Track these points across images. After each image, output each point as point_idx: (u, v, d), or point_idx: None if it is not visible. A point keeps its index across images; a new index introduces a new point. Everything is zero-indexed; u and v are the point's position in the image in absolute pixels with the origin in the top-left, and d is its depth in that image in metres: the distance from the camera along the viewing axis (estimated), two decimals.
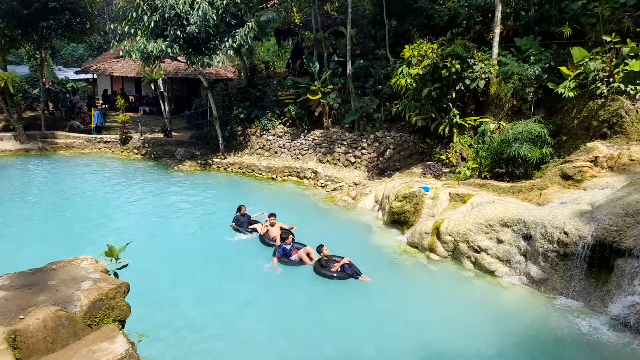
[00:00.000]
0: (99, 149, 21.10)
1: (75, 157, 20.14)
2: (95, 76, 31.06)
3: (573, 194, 9.37)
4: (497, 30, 13.33)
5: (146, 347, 4.15)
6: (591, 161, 10.02)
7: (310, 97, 16.87)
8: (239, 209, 11.75)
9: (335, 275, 8.86)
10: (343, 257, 9.08)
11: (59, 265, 3.92)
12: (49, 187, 15.52)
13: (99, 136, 21.40)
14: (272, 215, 10.99)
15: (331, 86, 17.06)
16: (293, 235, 10.35)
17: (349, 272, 8.84)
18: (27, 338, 2.99)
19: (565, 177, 10.07)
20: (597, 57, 11.07)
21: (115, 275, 4.15)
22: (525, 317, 7.60)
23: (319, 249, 9.29)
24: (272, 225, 10.86)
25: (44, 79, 23.04)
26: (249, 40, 16.09)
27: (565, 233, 7.99)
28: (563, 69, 11.69)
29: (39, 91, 23.47)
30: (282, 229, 10.87)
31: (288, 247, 9.75)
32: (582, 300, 7.81)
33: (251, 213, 11.79)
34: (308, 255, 9.62)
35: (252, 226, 11.43)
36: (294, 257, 9.72)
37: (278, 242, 10.21)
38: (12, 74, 20.08)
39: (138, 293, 4.31)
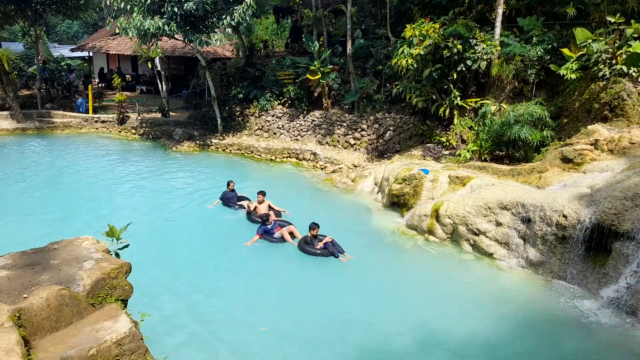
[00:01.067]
0: (97, 129, 20.94)
1: (72, 136, 19.99)
2: (91, 54, 30.62)
3: (573, 177, 9.38)
4: (500, 10, 13.14)
5: (148, 327, 4.18)
6: (591, 144, 10.00)
7: (310, 77, 16.70)
8: (228, 184, 11.84)
9: (319, 252, 9.06)
10: (326, 236, 9.24)
11: (60, 245, 3.92)
12: (47, 167, 15.43)
13: (97, 116, 21.21)
14: (260, 192, 11.02)
15: (331, 66, 16.88)
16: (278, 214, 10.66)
17: (331, 250, 9.02)
18: (32, 317, 3.00)
19: (566, 160, 10.06)
20: (601, 38, 10.94)
21: (117, 255, 4.15)
22: (523, 300, 7.69)
23: (311, 226, 9.37)
24: (260, 202, 10.90)
25: (40, 57, 22.70)
26: (248, 18, 15.80)
27: (564, 216, 8.02)
28: (565, 50, 11.57)
29: (34, 69, 23.15)
30: (271, 208, 10.89)
31: (269, 227, 9.83)
32: (579, 283, 7.88)
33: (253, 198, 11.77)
34: (291, 233, 9.78)
35: (240, 202, 11.47)
36: (276, 234, 9.81)
37: (273, 217, 10.29)
38: (7, 51, 19.77)
39: (138, 273, 4.31)
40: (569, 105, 11.52)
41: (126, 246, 4.36)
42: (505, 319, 7.13)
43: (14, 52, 21.84)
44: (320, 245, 9.16)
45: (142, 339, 3.29)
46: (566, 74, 11.11)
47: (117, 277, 3.57)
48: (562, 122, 11.50)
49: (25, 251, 3.78)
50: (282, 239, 9.73)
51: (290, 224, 10.14)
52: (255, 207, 10.92)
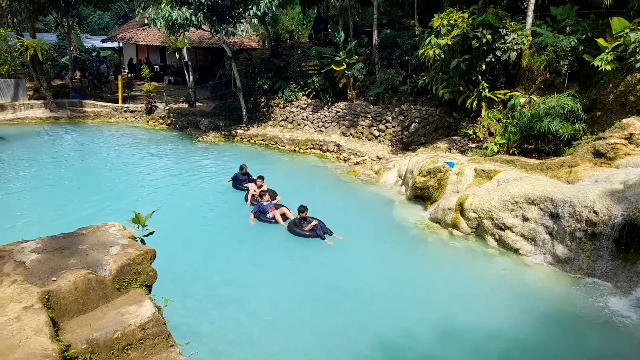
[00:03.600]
0: (126, 119, 21.41)
1: (102, 125, 20.51)
2: (120, 45, 31.23)
3: (605, 172, 9.07)
4: None
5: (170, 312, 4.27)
6: (626, 138, 9.62)
7: (335, 68, 16.59)
8: (241, 167, 12.72)
9: (307, 234, 9.41)
10: (315, 219, 9.63)
11: (88, 230, 4.02)
12: (78, 155, 15.90)
13: (126, 105, 21.68)
14: (260, 177, 11.65)
15: (356, 57, 16.73)
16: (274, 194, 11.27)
17: (318, 232, 9.35)
18: (60, 299, 3.10)
19: (598, 154, 9.73)
20: (639, 27, 10.47)
21: (142, 241, 4.24)
22: (549, 296, 7.52)
23: (300, 208, 9.72)
24: (260, 187, 11.48)
25: (72, 47, 23.28)
26: (274, 8, 15.80)
27: (595, 212, 7.78)
28: (600, 40, 11.12)
29: (67, 59, 23.77)
30: (270, 190, 11.45)
31: (264, 204, 10.32)
32: (609, 281, 7.65)
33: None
34: (283, 215, 10.25)
35: (246, 184, 12.16)
36: (269, 214, 10.24)
37: (270, 199, 10.83)
38: (41, 42, 20.31)
39: (162, 260, 4.40)
40: (603, 98, 11.11)
41: (151, 233, 4.44)
42: (530, 315, 6.99)
43: (47, 42, 22.42)
44: (308, 227, 9.50)
45: (165, 324, 3.36)
46: (601, 65, 10.69)
47: (142, 262, 3.64)
48: (595, 115, 11.10)
49: (55, 236, 3.90)
50: (274, 220, 10.16)
51: (283, 206, 10.62)
52: (254, 191, 11.46)
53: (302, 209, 9.69)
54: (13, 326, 2.69)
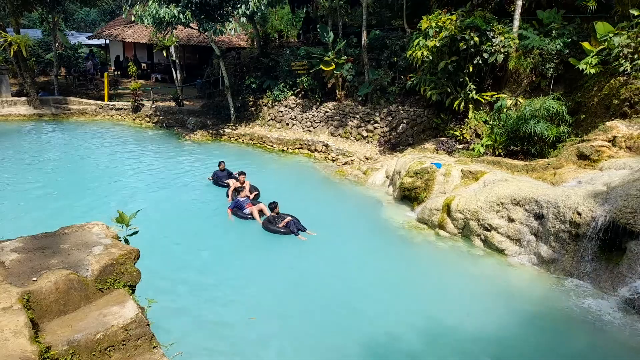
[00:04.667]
0: (111, 116, 21.15)
1: (88, 123, 20.23)
2: (107, 42, 30.84)
3: (589, 174, 9.21)
4: (520, 2, 12.86)
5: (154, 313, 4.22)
6: (609, 141, 9.79)
7: (324, 68, 16.60)
8: (219, 164, 12.79)
9: (282, 231, 9.54)
10: (289, 215, 9.81)
11: (71, 229, 3.95)
12: (61, 153, 15.66)
13: (112, 103, 21.41)
14: (242, 173, 11.69)
15: (345, 57, 16.74)
16: (256, 192, 11.57)
17: (292, 228, 9.47)
18: (40, 300, 3.04)
19: (582, 156, 9.87)
20: (623, 32, 10.65)
21: (126, 241, 4.18)
22: (533, 297, 7.60)
23: (272, 205, 9.96)
24: (242, 182, 11.53)
25: (57, 44, 22.92)
26: (262, 7, 15.75)
27: (579, 213, 7.88)
28: (585, 44, 11.30)
29: (52, 56, 23.39)
30: (252, 186, 11.69)
31: (241, 200, 10.49)
32: (592, 281, 7.76)
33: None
34: (260, 211, 10.32)
35: (227, 180, 12.23)
36: (246, 210, 10.36)
37: (251, 196, 11.15)
38: (26, 38, 19.95)
39: (146, 259, 4.35)
40: (588, 101, 11.28)
41: (135, 232, 4.39)
42: (514, 315, 7.06)
43: (32, 38, 22.03)
44: (282, 223, 9.62)
45: (148, 325, 3.32)
46: (585, 69, 10.86)
47: (126, 263, 3.60)
48: (579, 118, 11.27)
49: (36, 235, 3.83)
50: (251, 216, 10.26)
51: (260, 202, 10.71)
52: (235, 187, 11.51)
53: (274, 205, 9.92)
54: None
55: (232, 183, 11.77)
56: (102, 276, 3.42)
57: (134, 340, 3.15)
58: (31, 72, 21.39)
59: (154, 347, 3.26)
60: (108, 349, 3.03)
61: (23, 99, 21.08)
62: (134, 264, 3.67)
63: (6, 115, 20.01)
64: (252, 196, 11.17)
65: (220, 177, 12.60)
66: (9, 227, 8.51)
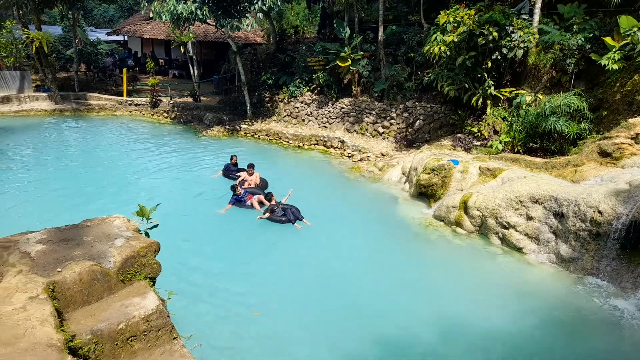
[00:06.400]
0: (130, 112, 21.43)
1: (107, 118, 20.54)
2: (126, 38, 31.21)
3: (610, 172, 9.03)
4: None
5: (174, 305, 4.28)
6: (632, 138, 9.58)
7: (340, 64, 16.55)
8: (231, 158, 13.14)
9: (283, 219, 9.95)
10: (290, 205, 10.23)
11: (93, 222, 4.03)
12: (82, 148, 15.93)
13: (130, 99, 21.70)
14: (250, 165, 12.08)
15: (361, 53, 16.66)
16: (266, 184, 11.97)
17: (290, 217, 9.89)
18: (65, 290, 3.11)
19: (603, 154, 9.68)
20: None
21: (147, 234, 4.25)
22: (552, 295, 7.50)
23: (267, 196, 10.44)
24: (250, 175, 11.96)
25: (77, 40, 23.29)
26: (279, 3, 15.76)
27: (600, 212, 7.74)
28: (608, 39, 11.04)
29: (72, 52, 23.79)
30: (261, 179, 12.12)
31: (240, 196, 10.79)
32: (613, 281, 7.62)
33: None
34: (260, 202, 10.69)
35: (238, 173, 12.57)
36: (247, 202, 10.74)
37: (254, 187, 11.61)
38: (47, 34, 20.31)
39: (165, 252, 4.41)
40: (610, 97, 11.04)
41: (155, 226, 4.45)
42: (532, 314, 6.98)
43: (52, 35, 22.44)
44: (269, 204, 10.27)
45: (168, 316, 3.37)
46: (608, 64, 10.62)
47: (146, 255, 3.65)
48: (601, 115, 11.04)
49: (60, 227, 3.91)
50: (251, 206, 10.63)
51: (258, 193, 11.07)
52: (244, 179, 11.91)
53: (269, 196, 10.43)
54: (19, 316, 2.70)
55: (243, 175, 12.14)
56: (124, 268, 3.48)
57: (155, 331, 3.20)
58: (52, 68, 21.78)
59: (174, 338, 3.31)
60: (130, 339, 3.09)
61: (44, 94, 21.49)
62: (155, 256, 3.72)
63: (28, 110, 20.44)
64: (254, 187, 11.65)
65: (231, 171, 12.91)
66: (32, 219, 8.72)
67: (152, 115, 21.09)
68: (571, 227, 8.14)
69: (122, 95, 22.16)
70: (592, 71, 11.81)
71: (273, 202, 10.32)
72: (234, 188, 10.89)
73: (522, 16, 13.10)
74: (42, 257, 3.38)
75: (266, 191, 10.85)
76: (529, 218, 8.81)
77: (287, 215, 9.96)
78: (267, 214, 10.11)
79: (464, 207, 9.76)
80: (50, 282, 3.06)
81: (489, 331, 6.57)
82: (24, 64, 23.51)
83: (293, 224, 9.89)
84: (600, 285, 7.64)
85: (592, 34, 11.72)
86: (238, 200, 10.76)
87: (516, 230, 8.96)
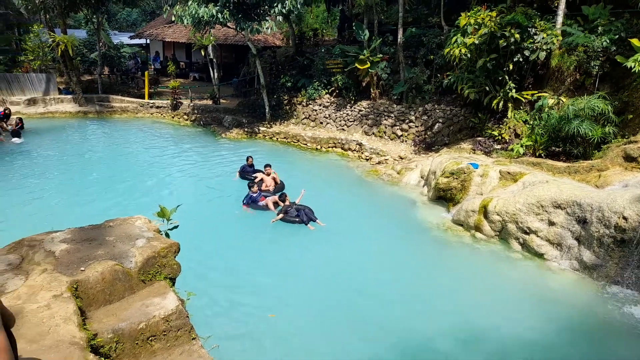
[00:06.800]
0: (151, 114, 21.79)
1: (129, 120, 20.93)
2: (148, 41, 31.76)
3: (636, 177, 8.80)
4: None
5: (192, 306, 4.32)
6: None
7: (359, 67, 16.52)
8: (247, 159, 13.27)
9: (297, 220, 10.05)
10: (304, 206, 10.34)
11: (115, 222, 4.11)
12: (105, 149, 16.27)
13: (152, 101, 22.07)
14: (267, 165, 12.25)
15: (380, 55, 16.62)
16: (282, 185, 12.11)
17: (303, 218, 9.98)
18: (87, 289, 3.18)
19: (629, 158, 9.44)
20: None
21: (167, 235, 4.31)
22: (574, 303, 7.34)
23: (281, 197, 10.45)
24: (268, 174, 12.10)
25: (100, 43, 23.81)
26: (299, 6, 15.83)
27: (625, 218, 7.54)
28: (634, 41, 10.74)
29: (96, 55, 24.33)
30: (274, 179, 12.19)
31: (254, 195, 10.89)
32: (638, 289, 7.41)
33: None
34: (275, 203, 10.71)
35: (254, 174, 12.69)
36: (261, 203, 10.81)
37: (271, 189, 11.76)
38: (72, 38, 20.82)
39: (184, 253, 4.46)
40: (636, 100, 10.75)
41: (176, 227, 4.52)
42: (554, 321, 6.84)
43: (77, 38, 22.99)
44: (275, 202, 10.51)
45: (188, 316, 3.41)
46: (634, 67, 10.33)
47: (167, 256, 3.71)
48: (626, 118, 10.76)
49: (84, 227, 4.00)
50: (266, 207, 10.70)
51: (272, 194, 11.23)
52: (262, 178, 12.04)
53: (283, 197, 10.47)
54: (43, 314, 2.77)
55: (260, 175, 12.26)
56: (145, 268, 3.53)
57: (174, 331, 3.25)
58: (77, 71, 22.31)
59: (192, 339, 3.35)
60: (150, 339, 3.14)
61: (69, 96, 22.02)
62: (175, 257, 3.77)
63: (53, 112, 20.97)
64: (271, 189, 11.76)
65: (247, 172, 13.02)
66: (56, 219, 8.93)
67: (173, 117, 21.40)
68: (595, 233, 7.95)
69: (143, 98, 22.55)
70: (617, 74, 11.52)
71: (287, 203, 10.41)
72: (250, 186, 11.00)
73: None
74: (66, 256, 3.46)
75: (279, 193, 11.00)
76: (551, 223, 8.64)
77: (300, 216, 10.05)
78: (281, 215, 10.16)
79: (484, 211, 9.62)
80: (74, 281, 3.13)
81: (510, 338, 6.46)
82: (50, 67, 24.12)
83: (306, 224, 9.94)
84: (625, 294, 7.44)
85: (617, 36, 11.44)
86: (253, 201, 10.84)
87: (537, 236, 8.79)
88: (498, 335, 6.51)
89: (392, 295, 7.51)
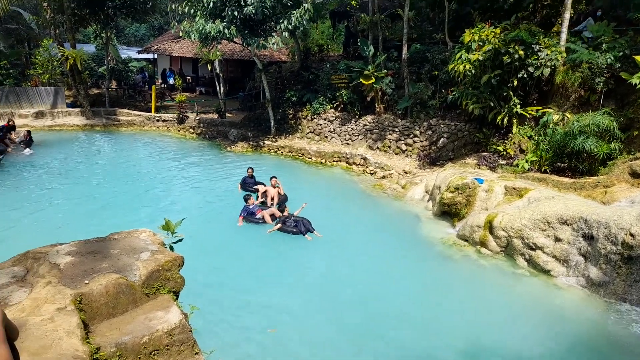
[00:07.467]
0: (158, 127, 21.96)
1: (135, 134, 21.09)
2: (155, 56, 32.18)
3: None
4: (567, 15, 12.51)
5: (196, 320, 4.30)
6: None
7: (363, 82, 16.64)
8: (248, 170, 13.31)
9: (294, 230, 10.07)
10: (302, 217, 10.30)
11: (120, 235, 4.11)
12: (111, 162, 16.37)
13: (158, 115, 22.27)
14: (273, 177, 12.19)
15: (385, 71, 16.74)
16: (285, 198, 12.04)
17: (301, 229, 9.99)
18: (91, 302, 3.17)
19: (635, 174, 9.40)
20: None
21: (171, 248, 4.31)
22: (581, 321, 7.23)
23: (282, 207, 10.60)
24: (273, 186, 12.01)
25: (109, 58, 24.16)
26: (304, 22, 16.02)
27: (632, 235, 7.47)
28: (639, 58, 10.80)
29: (104, 69, 24.66)
30: (279, 193, 12.08)
31: (251, 207, 10.85)
32: None
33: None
34: (272, 215, 10.74)
35: (256, 186, 12.70)
36: (258, 216, 10.75)
37: (275, 202, 11.67)
38: (81, 52, 21.15)
39: (187, 267, 4.45)
40: None
41: (180, 240, 4.52)
42: (561, 339, 6.73)
43: (86, 53, 23.35)
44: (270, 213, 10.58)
45: (191, 331, 3.39)
46: (639, 84, 10.37)
47: (171, 269, 3.70)
48: (632, 135, 10.75)
49: (89, 240, 4.00)
50: (262, 220, 10.65)
51: (270, 207, 11.26)
52: (266, 190, 12.00)
53: (283, 207, 10.62)
54: (47, 327, 2.76)
55: (261, 188, 12.21)
56: (149, 281, 3.52)
57: (177, 345, 3.22)
58: (85, 84, 22.60)
59: (195, 354, 3.32)
60: (153, 353, 3.11)
61: (77, 109, 22.27)
62: (179, 270, 3.76)
63: (61, 125, 21.19)
64: (275, 202, 11.68)
65: (248, 183, 13.02)
66: (61, 231, 8.96)
67: (179, 131, 21.56)
68: (601, 250, 7.87)
69: (150, 112, 22.76)
70: (622, 90, 11.54)
71: (285, 214, 10.40)
72: (246, 198, 10.97)
73: (583, 34, 12.94)
74: (70, 269, 3.46)
75: (279, 204, 11.01)
76: (557, 239, 8.57)
77: (298, 226, 10.07)
78: (279, 225, 10.18)
79: (489, 227, 9.57)
80: (78, 294, 3.12)
81: (515, 356, 6.36)
82: (58, 81, 24.45)
83: (304, 235, 9.96)
84: (632, 311, 7.33)
85: (622, 53, 11.50)
86: (249, 213, 10.79)
87: (543, 252, 8.72)
88: (504, 352, 6.41)
89: (394, 310, 7.43)
